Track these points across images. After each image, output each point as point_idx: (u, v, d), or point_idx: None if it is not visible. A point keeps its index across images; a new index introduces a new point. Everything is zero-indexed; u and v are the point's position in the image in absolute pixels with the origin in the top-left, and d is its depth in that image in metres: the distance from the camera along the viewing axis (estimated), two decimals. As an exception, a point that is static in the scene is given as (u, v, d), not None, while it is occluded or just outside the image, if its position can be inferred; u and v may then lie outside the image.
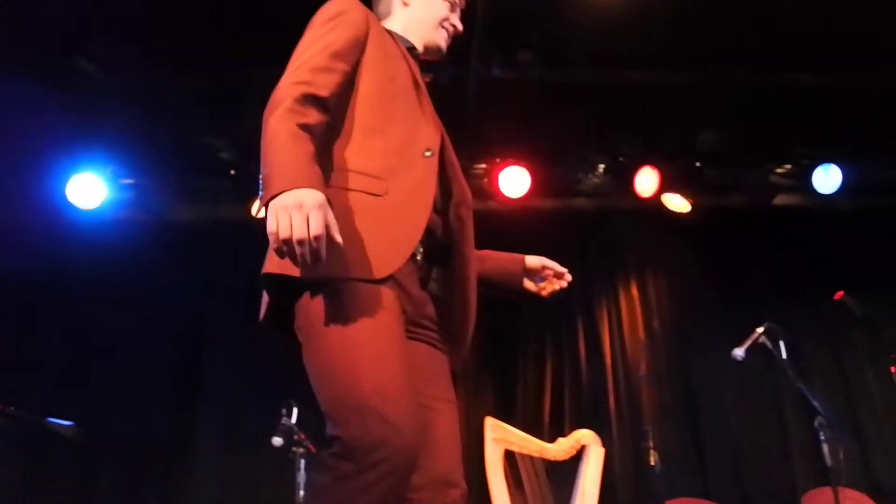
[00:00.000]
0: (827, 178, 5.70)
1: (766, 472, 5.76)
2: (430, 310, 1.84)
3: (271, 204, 1.54)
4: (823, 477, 4.75)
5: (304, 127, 1.65)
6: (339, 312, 1.60)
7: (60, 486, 5.32)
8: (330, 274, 1.62)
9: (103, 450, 5.43)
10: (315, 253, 1.51)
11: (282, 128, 1.63)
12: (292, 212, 1.50)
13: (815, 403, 3.92)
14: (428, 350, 1.80)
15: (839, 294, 3.99)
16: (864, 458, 5.51)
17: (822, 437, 3.79)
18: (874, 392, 5.96)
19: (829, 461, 3.78)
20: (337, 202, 1.67)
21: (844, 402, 5.89)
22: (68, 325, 5.62)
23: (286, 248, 1.51)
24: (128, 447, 5.45)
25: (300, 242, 1.50)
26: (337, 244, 1.55)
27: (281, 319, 1.74)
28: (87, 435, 5.17)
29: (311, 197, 1.53)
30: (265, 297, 1.79)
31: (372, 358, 1.56)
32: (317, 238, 1.50)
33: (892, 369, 3.89)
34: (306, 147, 1.62)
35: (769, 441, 5.86)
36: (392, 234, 1.71)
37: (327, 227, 1.53)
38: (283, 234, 1.50)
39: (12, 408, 3.65)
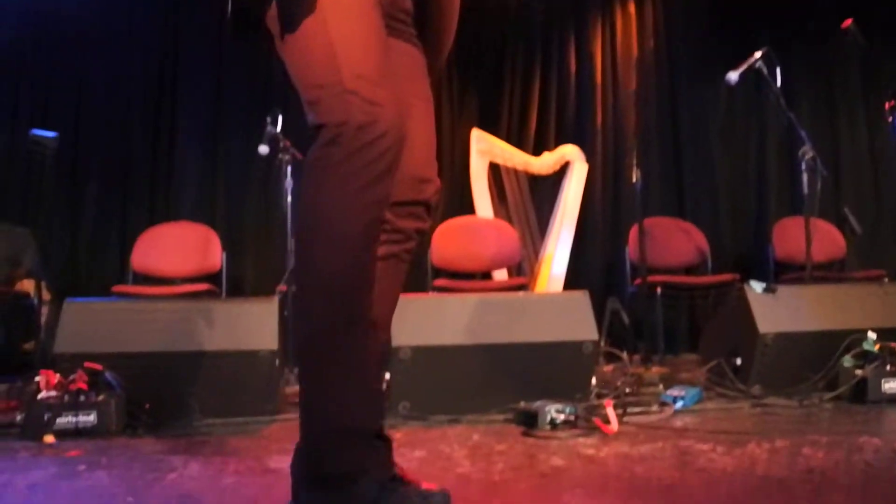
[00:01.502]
0: None
1: (741, 198, 5.94)
2: (408, 4, 1.74)
3: None
4: (796, 208, 4.90)
5: None
6: None
7: (52, 197, 5.39)
8: None
9: (88, 167, 5.45)
10: None
11: None
12: None
13: (802, 133, 3.93)
14: (403, 46, 1.70)
15: (847, 22, 3.83)
16: (838, 192, 5.66)
17: (804, 167, 3.84)
18: (861, 132, 5.98)
19: (806, 189, 3.86)
20: None
21: (830, 140, 5.92)
22: (51, 35, 5.42)
23: None
24: (111, 162, 5.47)
25: None
26: None
27: (253, 14, 1.65)
28: (70, 148, 5.21)
29: None
30: None
31: (351, 43, 1.49)
32: None
33: (887, 105, 3.85)
34: None
35: (748, 169, 5.97)
36: None
37: None
38: None
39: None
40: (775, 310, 3.19)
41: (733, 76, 3.87)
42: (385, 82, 1.49)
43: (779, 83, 3.90)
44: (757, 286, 3.23)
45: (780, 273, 5.14)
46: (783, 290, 3.26)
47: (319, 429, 1.40)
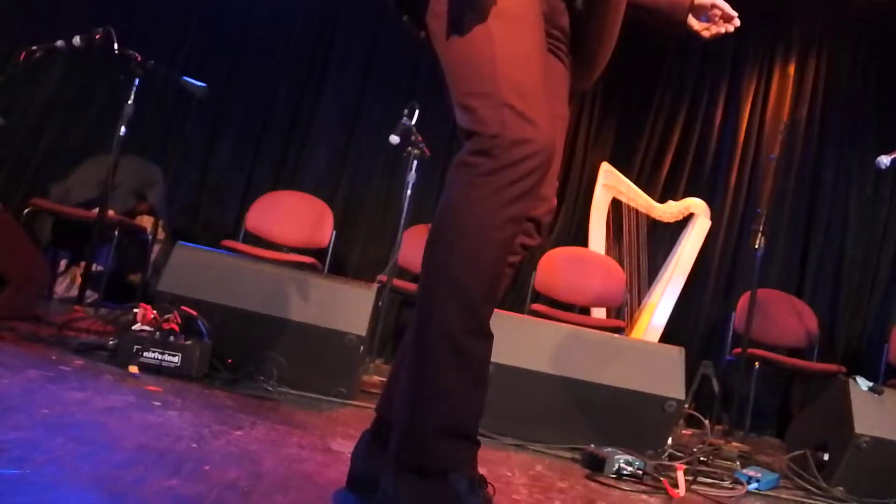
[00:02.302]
0: None
1: (866, 288, 5.58)
2: (565, 21, 1.71)
3: None
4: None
5: None
6: (484, 4, 1.50)
7: (188, 143, 5.64)
8: None
9: (229, 123, 5.69)
10: None
11: None
12: None
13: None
14: (553, 62, 1.70)
15: None
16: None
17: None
18: None
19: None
20: None
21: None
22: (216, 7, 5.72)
23: None
24: (251, 123, 5.69)
25: None
26: None
27: (413, 4, 1.66)
28: (216, 102, 5.42)
29: None
30: None
31: (514, 57, 1.48)
32: None
33: None
34: None
35: (881, 259, 5.60)
36: None
37: None
38: None
39: (151, 62, 3.76)
40: (877, 413, 3.00)
41: (885, 161, 3.67)
42: (543, 101, 1.48)
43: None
44: (863, 383, 3.06)
45: (891, 378, 4.84)
46: (891, 395, 3.07)
47: (428, 425, 1.42)
